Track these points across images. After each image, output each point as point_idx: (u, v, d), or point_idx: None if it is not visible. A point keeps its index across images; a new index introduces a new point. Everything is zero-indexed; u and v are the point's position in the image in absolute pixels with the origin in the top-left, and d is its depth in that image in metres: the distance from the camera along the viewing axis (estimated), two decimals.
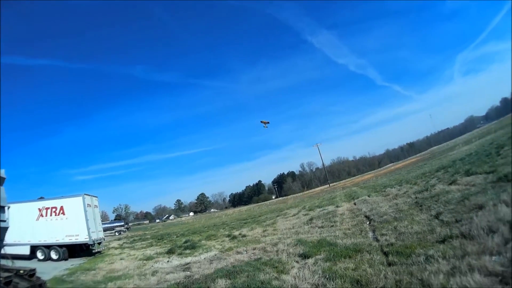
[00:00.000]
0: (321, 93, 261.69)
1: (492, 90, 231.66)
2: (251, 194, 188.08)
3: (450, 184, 17.11)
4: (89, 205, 25.83)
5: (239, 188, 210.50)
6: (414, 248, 8.70)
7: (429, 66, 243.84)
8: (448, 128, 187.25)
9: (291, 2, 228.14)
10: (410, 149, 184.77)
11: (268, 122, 53.57)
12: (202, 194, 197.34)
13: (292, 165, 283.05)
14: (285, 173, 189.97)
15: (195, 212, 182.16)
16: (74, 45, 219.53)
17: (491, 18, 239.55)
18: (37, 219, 24.74)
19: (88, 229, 24.74)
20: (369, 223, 15.48)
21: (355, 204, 25.28)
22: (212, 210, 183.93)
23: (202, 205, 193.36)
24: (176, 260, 17.16)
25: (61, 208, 24.92)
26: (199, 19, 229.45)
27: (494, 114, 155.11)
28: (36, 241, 24.19)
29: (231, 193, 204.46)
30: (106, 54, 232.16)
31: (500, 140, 29.40)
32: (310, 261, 10.39)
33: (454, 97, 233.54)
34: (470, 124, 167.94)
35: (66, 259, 23.78)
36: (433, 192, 16.81)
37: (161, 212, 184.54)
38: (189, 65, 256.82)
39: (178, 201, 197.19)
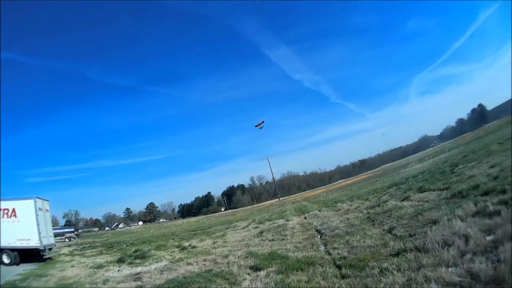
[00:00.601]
0: (275, 107, 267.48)
1: (448, 111, 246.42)
2: (200, 206, 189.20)
3: (403, 200, 17.91)
4: (40, 209, 24.80)
5: (188, 199, 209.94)
6: (368, 261, 8.95)
7: (385, 86, 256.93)
8: (401, 147, 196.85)
9: (252, 15, 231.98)
10: (362, 166, 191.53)
11: (262, 122, 54.36)
12: (152, 204, 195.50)
13: (242, 178, 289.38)
14: (235, 185, 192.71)
15: (144, 222, 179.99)
16: (31, 39, 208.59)
17: (452, 42, 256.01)
18: None
19: (39, 233, 23.78)
20: (321, 237, 15.79)
21: (305, 218, 25.74)
22: (161, 220, 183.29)
23: (151, 214, 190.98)
24: (126, 270, 16.91)
25: (13, 210, 23.86)
26: (159, 25, 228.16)
27: (449, 134, 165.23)
28: None
29: (180, 204, 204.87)
30: (63, 52, 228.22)
31: (455, 158, 31.21)
32: (262, 273, 10.44)
33: (408, 117, 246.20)
34: (424, 143, 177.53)
35: (17, 264, 22.82)
36: (385, 208, 17.52)
37: (110, 220, 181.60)
38: (146, 70, 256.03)
39: (128, 209, 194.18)
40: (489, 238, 7.25)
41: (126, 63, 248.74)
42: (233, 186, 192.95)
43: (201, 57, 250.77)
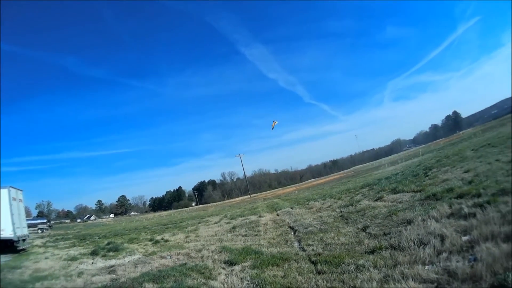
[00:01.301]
0: (247, 106, 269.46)
1: (421, 117, 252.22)
2: (171, 200, 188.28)
3: (376, 200, 18.27)
4: (14, 199, 24.11)
5: (159, 192, 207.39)
6: (343, 258, 9.08)
7: (359, 89, 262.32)
8: (373, 149, 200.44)
9: (230, 13, 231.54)
10: (333, 166, 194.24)
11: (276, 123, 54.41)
12: (123, 196, 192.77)
13: (213, 174, 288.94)
14: (206, 181, 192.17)
15: (115, 214, 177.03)
16: (3, 26, 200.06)
17: (429, 50, 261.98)
18: None
19: (13, 224, 23.13)
20: (294, 233, 15.87)
21: (278, 215, 25.87)
22: (132, 213, 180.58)
23: (122, 207, 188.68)
24: (100, 262, 16.67)
25: None
26: (136, 18, 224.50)
27: (422, 138, 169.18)
28: None
29: (152, 197, 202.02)
30: (36, 40, 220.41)
31: (428, 162, 31.97)
32: (237, 268, 10.45)
33: (382, 121, 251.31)
34: (396, 146, 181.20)
35: None
36: (358, 207, 17.82)
37: (82, 212, 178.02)
38: (119, 62, 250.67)
39: (99, 201, 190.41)
40: (465, 238, 7.48)
41: (101, 55, 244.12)
42: (204, 181, 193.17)
43: (176, 51, 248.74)
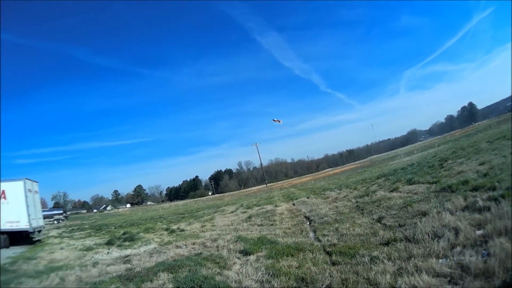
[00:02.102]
0: (263, 94, 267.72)
1: (436, 107, 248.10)
2: (188, 189, 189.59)
3: (392, 191, 18.11)
4: (29, 191, 24.47)
5: (176, 182, 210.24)
6: (358, 249, 9.08)
7: (375, 78, 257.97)
8: (389, 139, 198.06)
9: (244, 0, 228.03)
10: (350, 156, 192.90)
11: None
12: (139, 186, 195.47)
13: (229, 163, 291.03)
14: (222, 170, 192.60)
15: (132, 204, 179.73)
16: (14, 17, 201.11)
17: (444, 40, 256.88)
18: None
19: (29, 215, 23.47)
20: (310, 223, 15.92)
21: (294, 204, 25.87)
22: (148, 202, 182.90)
23: (139, 197, 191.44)
24: (116, 252, 16.90)
25: (3, 192, 23.41)
26: (148, 6, 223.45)
27: (438, 129, 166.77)
28: None
29: (168, 187, 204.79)
30: (50, 31, 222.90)
31: (444, 153, 31.55)
32: (252, 258, 10.51)
33: (397, 110, 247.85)
34: (412, 136, 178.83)
35: (7, 247, 22.33)
36: (374, 198, 17.69)
37: (98, 202, 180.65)
38: (132, 52, 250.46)
39: (116, 191, 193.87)
40: (478, 232, 7.40)
41: (113, 44, 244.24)
42: (220, 170, 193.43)
43: (191, 40, 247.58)
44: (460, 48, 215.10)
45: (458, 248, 6.92)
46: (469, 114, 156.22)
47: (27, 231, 23.77)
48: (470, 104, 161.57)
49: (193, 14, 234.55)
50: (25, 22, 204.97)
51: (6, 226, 23.05)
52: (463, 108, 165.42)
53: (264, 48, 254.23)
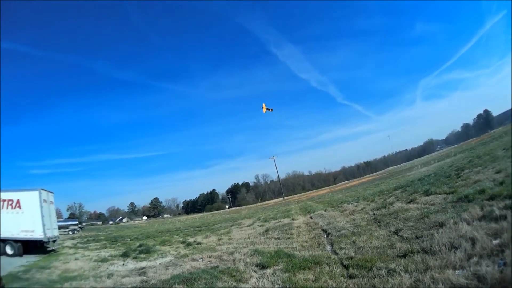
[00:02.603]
0: (280, 107, 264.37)
1: (452, 116, 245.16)
2: (205, 202, 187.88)
3: (409, 202, 17.92)
4: (45, 201, 24.89)
5: (192, 195, 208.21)
6: (375, 261, 9.02)
7: (391, 88, 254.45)
8: (406, 150, 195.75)
9: (260, 13, 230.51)
10: (367, 167, 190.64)
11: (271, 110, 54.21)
12: (156, 199, 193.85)
13: (247, 176, 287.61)
14: (240, 183, 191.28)
15: (148, 217, 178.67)
16: (37, 30, 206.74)
17: (459, 47, 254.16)
18: None
19: (44, 225, 23.87)
20: (327, 236, 15.85)
21: (311, 217, 25.75)
22: (165, 215, 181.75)
23: (155, 209, 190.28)
24: (131, 264, 17.02)
25: (18, 201, 23.91)
26: (166, 20, 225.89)
27: (454, 138, 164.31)
28: None
29: (185, 200, 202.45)
30: (69, 44, 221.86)
31: (460, 163, 31.13)
32: (269, 271, 10.49)
33: (414, 120, 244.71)
34: (429, 146, 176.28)
35: (21, 255, 22.88)
36: (391, 210, 17.53)
37: (114, 214, 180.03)
38: (150, 65, 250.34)
39: (132, 204, 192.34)
40: (495, 242, 7.31)
41: (130, 57, 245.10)
42: (237, 183, 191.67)
43: (208, 53, 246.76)
44: (474, 54, 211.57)
45: (475, 259, 6.85)
46: (485, 121, 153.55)
47: (41, 240, 24.09)
48: (486, 111, 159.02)
49: (210, 27, 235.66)
50: (46, 35, 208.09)
51: (21, 235, 23.46)
52: (479, 115, 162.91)
53: (280, 61, 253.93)
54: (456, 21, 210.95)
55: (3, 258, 21.80)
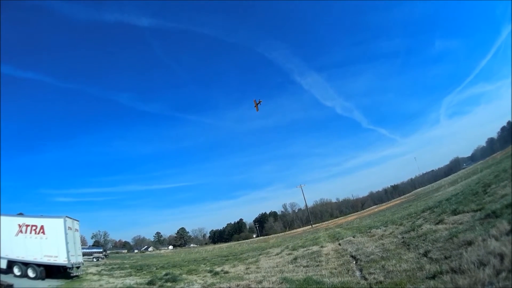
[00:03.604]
0: (306, 135, 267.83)
1: (477, 131, 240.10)
2: (232, 232, 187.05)
3: (437, 223, 17.51)
4: (69, 228, 25.71)
5: (219, 225, 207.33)
6: (404, 284, 8.91)
7: (415, 109, 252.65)
8: (433, 170, 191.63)
9: (282, 43, 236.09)
10: (394, 191, 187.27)
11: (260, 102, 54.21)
12: (182, 229, 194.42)
13: (274, 205, 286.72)
14: (267, 212, 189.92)
15: (174, 246, 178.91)
16: (64, 62, 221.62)
17: (478, 60, 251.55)
18: (16, 235, 24.69)
19: (68, 252, 24.53)
20: (356, 262, 15.61)
21: (339, 244, 25.32)
22: (192, 245, 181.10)
23: (181, 239, 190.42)
24: None
25: (42, 227, 24.85)
26: (189, 52, 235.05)
27: (480, 154, 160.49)
28: (14, 256, 24.19)
29: (212, 230, 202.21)
30: (94, 76, 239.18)
31: (487, 179, 30.36)
32: None
33: (439, 139, 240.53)
34: (455, 165, 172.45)
35: (43, 279, 23.67)
36: (420, 232, 17.17)
37: (140, 243, 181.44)
38: (175, 97, 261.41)
39: (158, 233, 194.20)
40: None
41: (155, 89, 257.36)
42: (265, 213, 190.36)
43: (232, 84, 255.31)
44: (494, 65, 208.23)
45: (504, 274, 6.73)
46: (509, 133, 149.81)
47: (65, 266, 24.64)
48: (509, 123, 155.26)
49: (234, 58, 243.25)
50: (74, 67, 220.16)
51: (44, 260, 24.26)
52: (503, 128, 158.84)
53: (304, 89, 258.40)
54: (473, 35, 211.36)
55: (25, 280, 22.98)
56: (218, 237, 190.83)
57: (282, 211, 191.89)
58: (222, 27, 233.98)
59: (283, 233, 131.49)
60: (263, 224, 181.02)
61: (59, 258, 24.43)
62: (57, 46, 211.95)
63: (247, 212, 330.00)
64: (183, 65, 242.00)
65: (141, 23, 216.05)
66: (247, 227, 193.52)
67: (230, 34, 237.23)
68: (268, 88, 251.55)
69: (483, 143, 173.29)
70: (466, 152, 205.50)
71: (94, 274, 29.73)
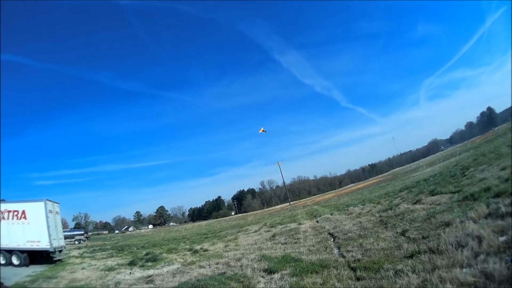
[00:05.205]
0: (285, 113, 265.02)
1: (456, 115, 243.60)
2: (211, 210, 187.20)
3: (415, 203, 17.81)
4: (50, 211, 25.12)
5: (198, 203, 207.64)
6: (382, 263, 8.98)
7: (395, 90, 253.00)
8: (411, 151, 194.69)
9: (263, 20, 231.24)
10: (372, 170, 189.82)
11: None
12: (162, 207, 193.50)
13: (252, 182, 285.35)
14: (245, 190, 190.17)
15: (154, 225, 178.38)
16: (39, 43, 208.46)
17: (460, 46, 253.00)
18: None
19: (50, 236, 24.04)
20: (334, 240, 15.81)
21: (317, 222, 25.67)
22: (171, 223, 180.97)
23: (161, 218, 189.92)
24: (138, 272, 16.97)
25: (23, 212, 24.21)
26: (168, 29, 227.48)
27: (458, 137, 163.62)
28: None
29: (190, 208, 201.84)
30: (72, 56, 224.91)
31: (465, 162, 30.92)
32: (276, 276, 10.46)
33: (418, 121, 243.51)
34: (433, 147, 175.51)
35: (27, 265, 23.08)
36: (397, 211, 17.48)
37: (120, 223, 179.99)
38: (154, 75, 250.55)
39: (138, 213, 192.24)
40: (502, 238, 7.28)
41: (134, 68, 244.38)
42: (243, 190, 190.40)
43: (211, 62, 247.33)
44: (476, 52, 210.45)
45: (482, 256, 6.82)
46: (489, 119, 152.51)
47: (47, 250, 24.23)
48: (489, 108, 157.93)
49: (213, 35, 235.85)
50: (49, 47, 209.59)
51: (27, 246, 23.66)
52: (482, 113, 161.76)
53: (283, 67, 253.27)
54: (457, 20, 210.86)
55: (10, 268, 22.06)
56: (197, 215, 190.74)
57: (260, 188, 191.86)
58: (202, 4, 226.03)
59: (261, 211, 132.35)
60: (241, 201, 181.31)
61: (41, 243, 23.93)
62: (34, 26, 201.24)
63: (226, 189, 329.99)
64: (162, 43, 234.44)
65: (119, 0, 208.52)
66: (226, 204, 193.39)
67: (210, 11, 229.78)
68: (247, 65, 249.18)
69: (462, 126, 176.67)
70: (444, 134, 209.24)
71: (77, 257, 29.45)
